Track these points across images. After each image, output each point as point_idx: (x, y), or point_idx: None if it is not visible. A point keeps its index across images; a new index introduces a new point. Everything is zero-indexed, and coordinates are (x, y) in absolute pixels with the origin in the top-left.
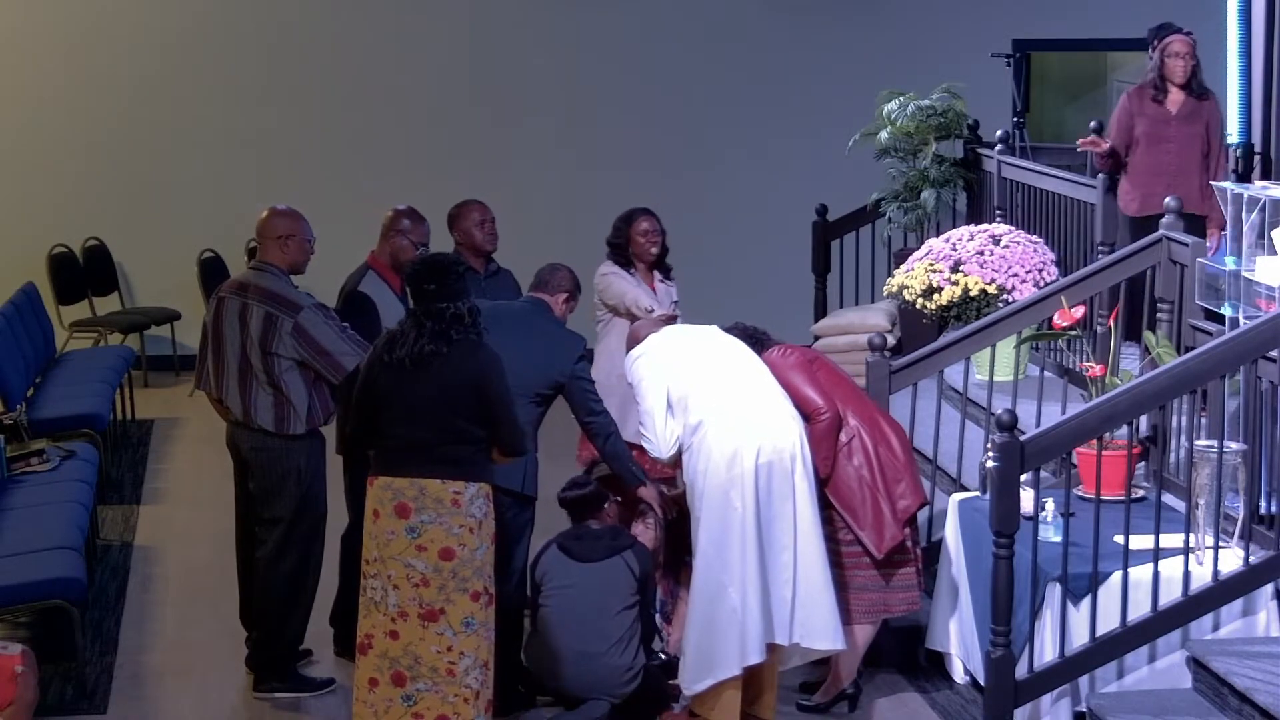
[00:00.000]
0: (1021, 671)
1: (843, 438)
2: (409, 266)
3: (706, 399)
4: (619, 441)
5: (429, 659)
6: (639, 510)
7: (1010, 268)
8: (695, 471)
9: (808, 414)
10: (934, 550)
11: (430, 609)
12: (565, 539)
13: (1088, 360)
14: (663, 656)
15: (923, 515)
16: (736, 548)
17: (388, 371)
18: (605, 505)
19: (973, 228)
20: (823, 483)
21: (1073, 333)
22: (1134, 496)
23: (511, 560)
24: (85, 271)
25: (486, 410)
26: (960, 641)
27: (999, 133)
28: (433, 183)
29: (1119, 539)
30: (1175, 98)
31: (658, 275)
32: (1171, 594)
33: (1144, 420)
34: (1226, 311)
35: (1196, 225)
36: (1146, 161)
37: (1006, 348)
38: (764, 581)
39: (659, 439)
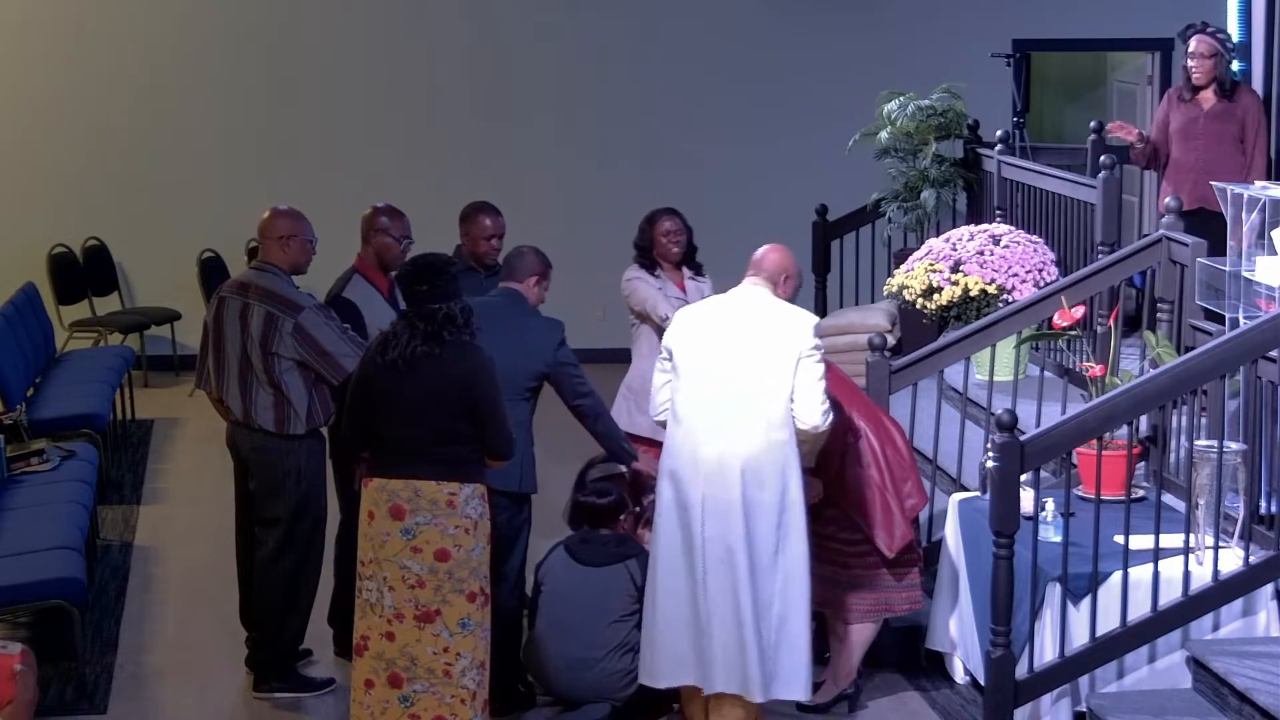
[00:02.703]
0: (1021, 671)
1: (850, 439)
2: (403, 268)
3: (679, 402)
4: (609, 421)
5: (425, 660)
6: (646, 519)
7: (1010, 268)
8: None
9: None
10: (934, 550)
11: (426, 610)
12: (571, 541)
13: (1088, 360)
14: None
15: (923, 515)
16: (662, 571)
17: (381, 373)
18: (622, 516)
19: (973, 228)
20: (830, 483)
21: (1073, 333)
22: (1134, 496)
23: (508, 560)
24: (85, 271)
25: (474, 411)
26: (960, 641)
27: (999, 133)
28: (433, 182)
29: (1119, 539)
30: (1207, 95)
31: (687, 273)
32: (1171, 594)
33: (1144, 420)
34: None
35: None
36: (1177, 158)
37: (1006, 348)
38: (679, 619)
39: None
